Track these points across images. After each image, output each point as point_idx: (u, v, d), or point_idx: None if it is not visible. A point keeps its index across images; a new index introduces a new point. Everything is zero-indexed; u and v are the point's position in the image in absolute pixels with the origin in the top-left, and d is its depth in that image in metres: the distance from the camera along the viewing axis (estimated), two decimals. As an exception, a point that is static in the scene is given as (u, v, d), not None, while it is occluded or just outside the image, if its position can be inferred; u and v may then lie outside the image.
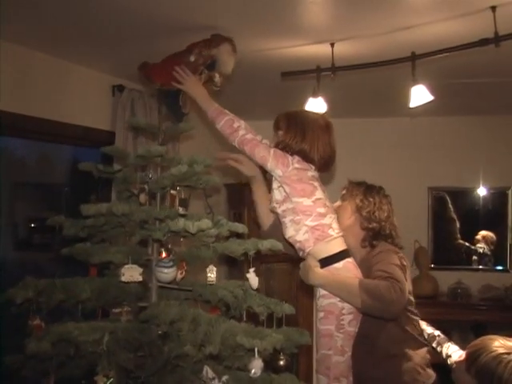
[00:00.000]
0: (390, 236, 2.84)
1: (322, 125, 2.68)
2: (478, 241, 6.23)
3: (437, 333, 2.95)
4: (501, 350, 2.35)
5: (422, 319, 2.88)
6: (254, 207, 2.98)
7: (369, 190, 2.89)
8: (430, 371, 2.79)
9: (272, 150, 2.62)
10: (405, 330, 2.73)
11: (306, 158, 2.63)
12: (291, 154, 2.62)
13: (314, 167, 2.67)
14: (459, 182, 6.20)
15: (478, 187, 6.23)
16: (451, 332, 5.85)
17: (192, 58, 2.90)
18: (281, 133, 2.68)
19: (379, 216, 2.82)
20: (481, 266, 6.21)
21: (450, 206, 6.35)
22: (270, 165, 2.60)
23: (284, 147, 2.64)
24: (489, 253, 6.20)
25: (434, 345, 2.91)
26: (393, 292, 2.45)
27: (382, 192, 2.91)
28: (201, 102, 2.82)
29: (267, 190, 2.89)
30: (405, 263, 2.70)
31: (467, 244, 6.29)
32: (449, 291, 5.92)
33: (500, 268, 6.16)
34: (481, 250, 6.22)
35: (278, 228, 2.91)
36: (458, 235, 6.34)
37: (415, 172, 6.24)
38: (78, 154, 5.14)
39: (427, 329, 2.97)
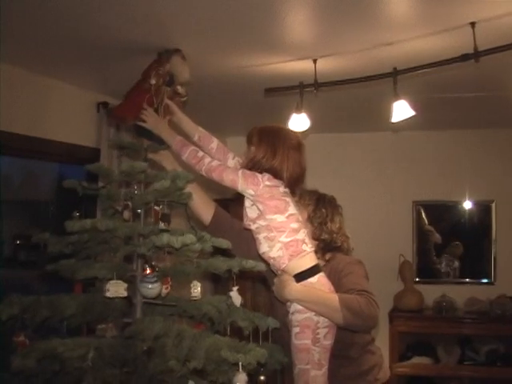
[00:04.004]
0: (342, 248, 2.86)
1: (293, 144, 2.68)
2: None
3: None
4: None
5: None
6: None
7: (321, 199, 2.90)
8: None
9: (240, 172, 2.62)
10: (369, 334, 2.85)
11: (275, 175, 2.63)
12: (261, 172, 2.62)
13: (284, 183, 2.67)
14: (444, 195, 6.25)
15: (464, 201, 6.29)
16: (437, 346, 5.88)
17: (153, 81, 2.93)
18: (253, 148, 2.69)
19: (331, 227, 2.83)
20: (468, 280, 6.26)
21: (425, 218, 6.40)
22: (240, 186, 2.60)
23: (254, 164, 2.65)
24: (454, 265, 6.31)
25: None
26: (371, 307, 2.51)
27: (333, 202, 2.93)
28: (165, 137, 2.84)
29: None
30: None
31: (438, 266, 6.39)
32: (434, 305, 5.93)
33: (485, 281, 6.19)
34: (445, 269, 6.33)
35: (220, 222, 2.96)
36: (434, 253, 6.41)
37: (399, 186, 6.29)
38: (63, 170, 5.15)
39: None
